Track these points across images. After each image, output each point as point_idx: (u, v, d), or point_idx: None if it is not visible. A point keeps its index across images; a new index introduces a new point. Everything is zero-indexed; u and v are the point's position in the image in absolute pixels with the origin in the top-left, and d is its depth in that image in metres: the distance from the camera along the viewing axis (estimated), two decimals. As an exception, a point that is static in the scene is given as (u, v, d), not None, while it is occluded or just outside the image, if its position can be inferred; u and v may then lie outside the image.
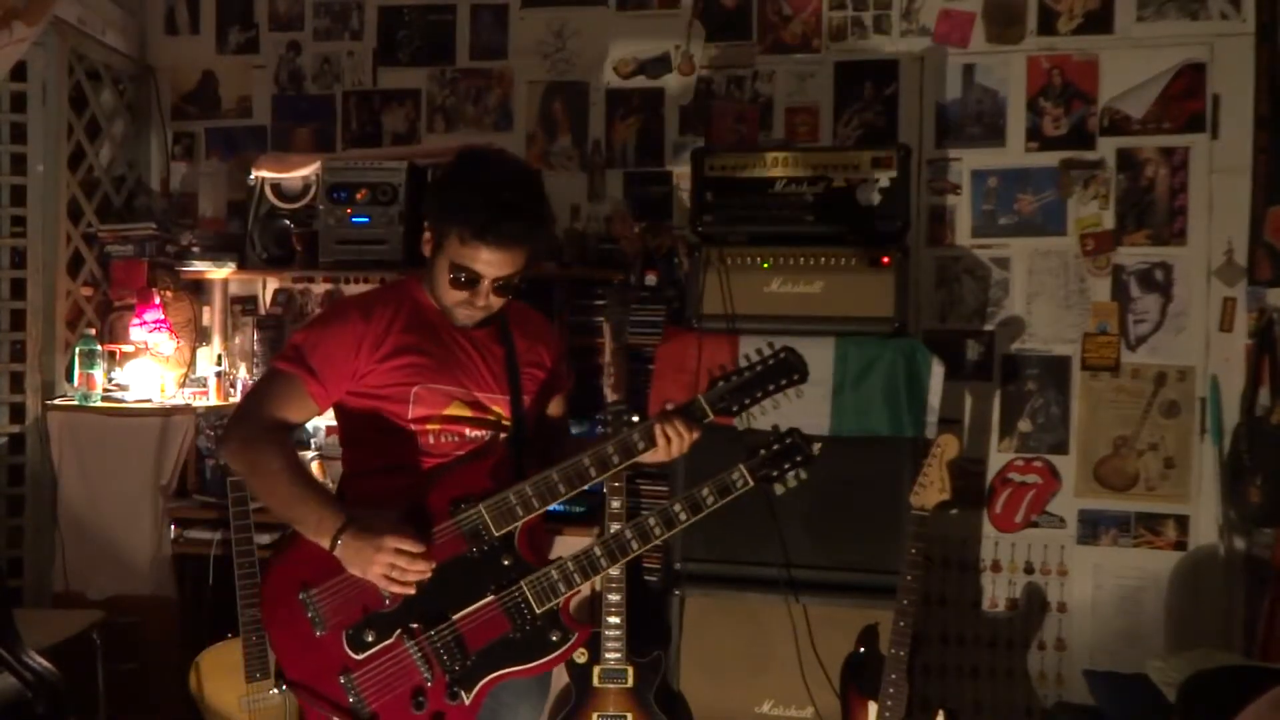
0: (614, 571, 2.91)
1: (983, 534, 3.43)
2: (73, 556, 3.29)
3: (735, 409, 1.99)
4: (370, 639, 1.86)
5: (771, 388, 2.00)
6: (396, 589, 1.84)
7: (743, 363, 2.02)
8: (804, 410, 2.92)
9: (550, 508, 1.95)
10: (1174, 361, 3.33)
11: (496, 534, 1.89)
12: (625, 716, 2.90)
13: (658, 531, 1.97)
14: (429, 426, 1.98)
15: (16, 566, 3.35)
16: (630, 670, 2.90)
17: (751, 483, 2.01)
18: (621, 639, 2.89)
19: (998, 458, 3.42)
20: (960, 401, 3.41)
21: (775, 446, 2.03)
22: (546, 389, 2.17)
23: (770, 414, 2.92)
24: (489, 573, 1.90)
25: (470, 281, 1.93)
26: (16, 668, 2.53)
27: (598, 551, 1.96)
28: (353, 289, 3.66)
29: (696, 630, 2.97)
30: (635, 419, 1.98)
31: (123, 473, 3.28)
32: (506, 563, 1.91)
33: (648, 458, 1.97)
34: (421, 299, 2.04)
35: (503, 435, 2.06)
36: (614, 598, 2.89)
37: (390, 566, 1.81)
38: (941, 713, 2.68)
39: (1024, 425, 3.42)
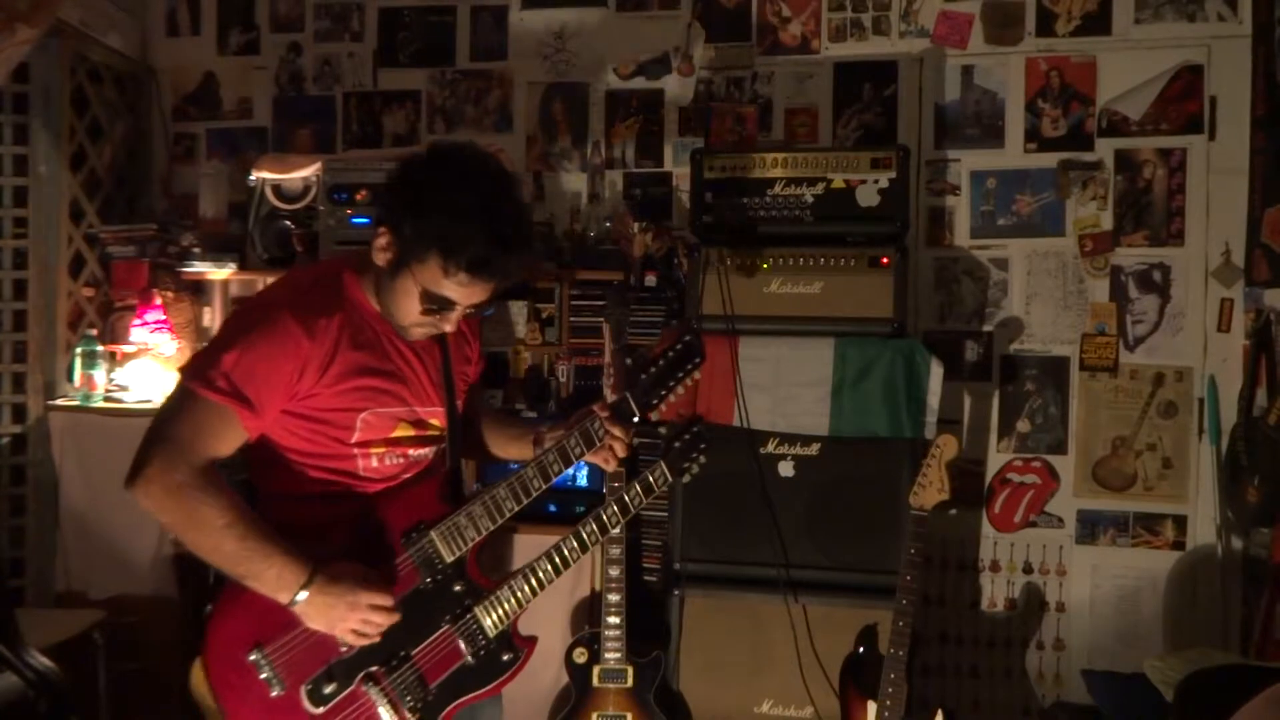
0: (613, 572, 2.92)
1: (981, 534, 3.43)
2: (74, 556, 3.30)
3: (656, 402, 1.97)
4: (330, 691, 1.73)
5: (681, 374, 1.96)
6: (363, 642, 1.73)
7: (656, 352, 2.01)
8: (804, 410, 2.95)
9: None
10: (1172, 362, 3.34)
11: (448, 561, 1.82)
12: (625, 716, 2.91)
13: (591, 539, 1.95)
14: (373, 450, 1.82)
15: (18, 566, 3.36)
16: (630, 670, 2.91)
17: (670, 478, 2.02)
18: (621, 639, 2.90)
19: (996, 458, 3.43)
20: (959, 402, 3.42)
21: (686, 437, 2.04)
22: (471, 384, 2.08)
23: (770, 414, 2.96)
24: (442, 602, 1.83)
25: (443, 309, 1.75)
26: (19, 667, 2.53)
27: (541, 564, 1.92)
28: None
29: (696, 630, 2.98)
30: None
31: (124, 473, 3.27)
32: (458, 589, 1.84)
33: (594, 460, 1.95)
34: (362, 303, 1.81)
35: (440, 447, 1.95)
36: (614, 598, 2.90)
37: (361, 622, 1.71)
38: (940, 712, 2.68)
39: (1023, 425, 3.42)
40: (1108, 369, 3.37)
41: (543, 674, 3.01)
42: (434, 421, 1.91)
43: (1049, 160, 3.40)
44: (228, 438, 1.70)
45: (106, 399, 3.37)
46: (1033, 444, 3.42)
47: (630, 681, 2.91)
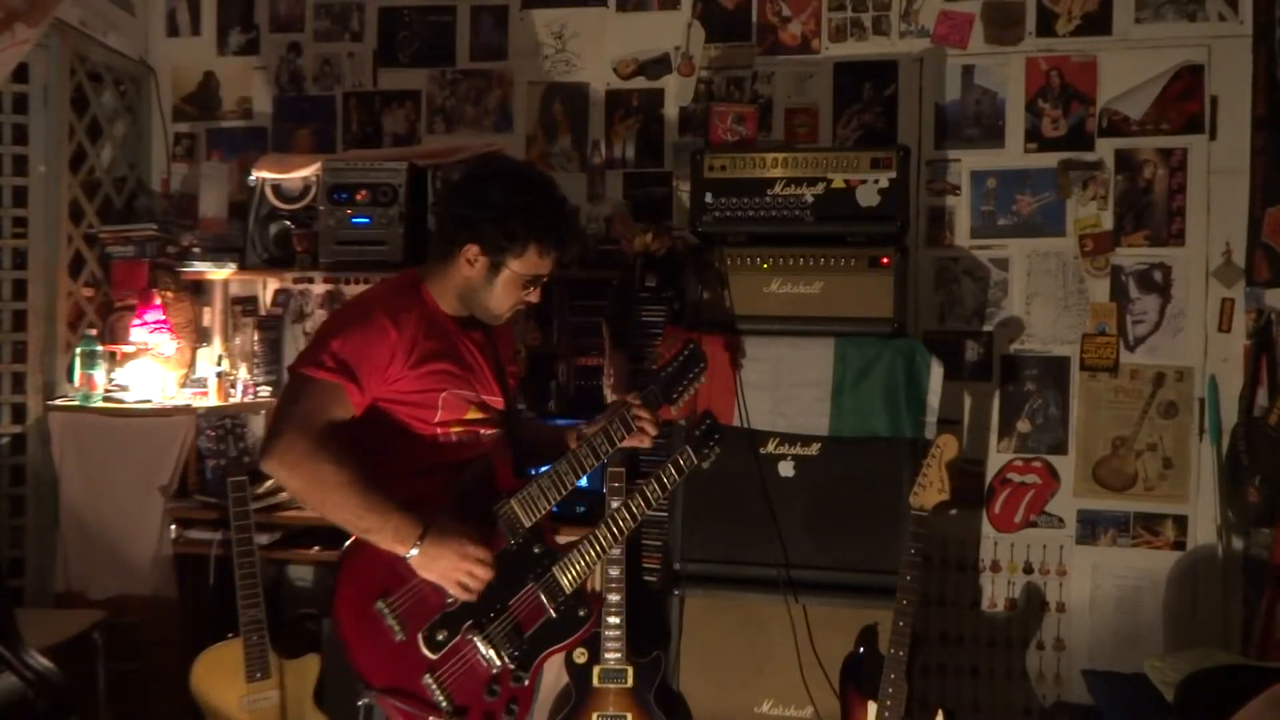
0: (613, 572, 2.92)
1: (982, 534, 3.43)
2: (74, 556, 3.30)
3: (676, 396, 2.29)
4: (442, 638, 1.93)
5: (693, 375, 2.31)
6: (467, 594, 1.94)
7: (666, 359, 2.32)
8: (804, 411, 2.95)
9: (552, 508, 2.10)
10: (1172, 362, 3.33)
11: (527, 526, 2.04)
12: (625, 716, 2.91)
13: (639, 510, 2.22)
14: (453, 430, 2.07)
15: (18, 566, 3.36)
16: (630, 670, 2.91)
17: (696, 460, 2.32)
18: (621, 639, 2.90)
19: (997, 458, 3.43)
20: (959, 402, 3.41)
21: (703, 427, 2.37)
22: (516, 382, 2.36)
23: (770, 414, 2.95)
24: (526, 562, 2.05)
25: (536, 283, 2.11)
26: (18, 667, 2.54)
27: (602, 531, 2.17)
28: (353, 290, 3.67)
29: (696, 630, 2.98)
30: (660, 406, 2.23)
31: (124, 473, 3.28)
32: (537, 550, 2.07)
33: (631, 443, 2.23)
34: (431, 304, 2.10)
35: (503, 430, 2.19)
36: (614, 598, 2.90)
37: (468, 574, 1.93)
38: (940, 712, 2.68)
39: (1023, 426, 3.42)
40: (1108, 369, 3.37)
41: (543, 674, 3.00)
42: (495, 407, 2.17)
43: (1049, 160, 3.40)
44: (338, 411, 1.94)
45: (106, 399, 3.37)
46: (1033, 444, 3.42)
47: (630, 681, 2.91)
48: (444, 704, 1.91)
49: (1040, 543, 3.40)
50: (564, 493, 2.10)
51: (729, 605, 2.96)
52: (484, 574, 1.95)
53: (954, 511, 3.38)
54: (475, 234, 2.05)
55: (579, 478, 2.13)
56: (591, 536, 2.15)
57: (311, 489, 1.90)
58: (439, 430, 2.06)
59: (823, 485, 2.95)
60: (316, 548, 3.21)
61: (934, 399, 2.91)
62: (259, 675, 2.91)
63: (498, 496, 2.04)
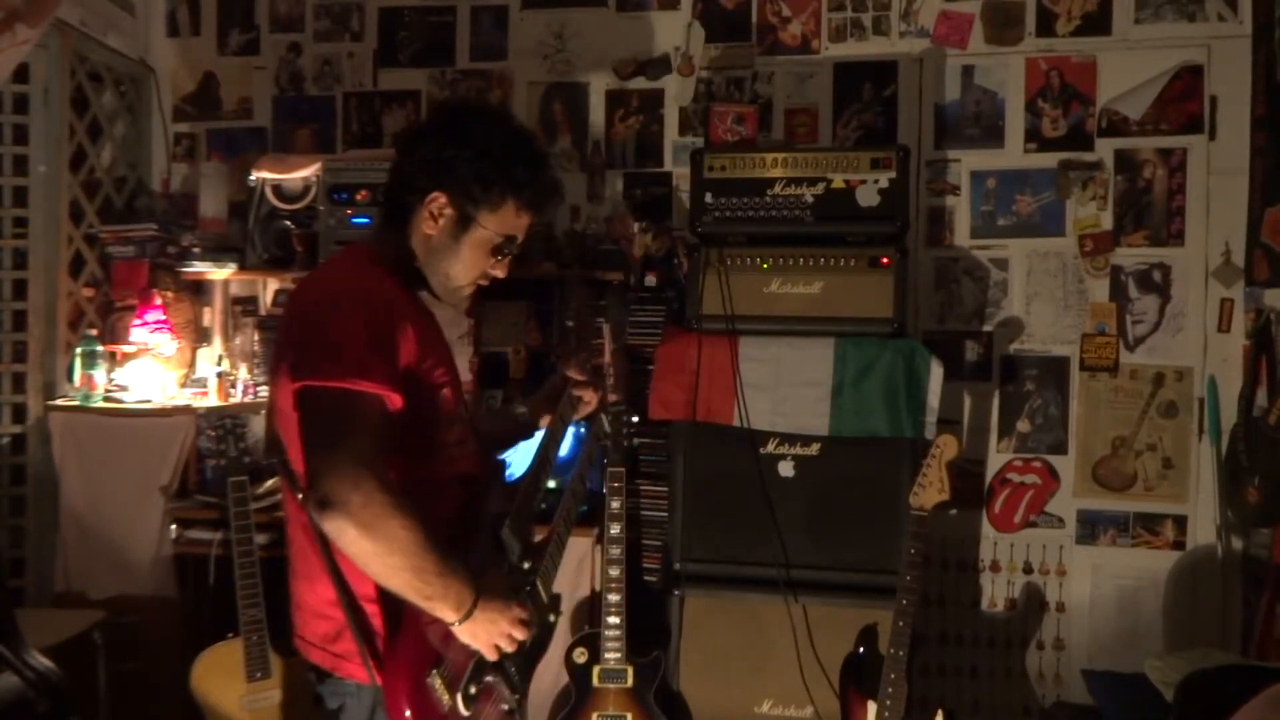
0: (613, 572, 2.92)
1: (982, 534, 3.43)
2: (74, 556, 3.30)
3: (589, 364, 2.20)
4: (474, 692, 1.73)
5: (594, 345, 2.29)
6: (494, 655, 1.73)
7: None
8: (804, 411, 2.95)
9: (540, 506, 2.02)
10: (1172, 362, 3.34)
11: (519, 545, 1.88)
12: (625, 716, 2.91)
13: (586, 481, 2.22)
14: (451, 433, 1.82)
15: (18, 566, 3.36)
16: (630, 670, 2.91)
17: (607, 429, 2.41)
18: (621, 639, 2.90)
19: (996, 458, 3.43)
20: (959, 402, 3.42)
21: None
22: None
23: (770, 414, 2.96)
24: (516, 580, 1.86)
25: (508, 250, 1.80)
26: (19, 667, 2.53)
27: (560, 524, 2.03)
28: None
29: (696, 630, 2.98)
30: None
31: (124, 473, 3.29)
32: (526, 566, 1.88)
33: (575, 417, 2.15)
34: (394, 282, 1.77)
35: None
36: (614, 598, 2.90)
37: (509, 638, 1.71)
38: (940, 712, 2.69)
39: (1023, 426, 3.42)
40: (1108, 369, 3.37)
41: (543, 674, 2.98)
42: (467, 395, 2.01)
43: (1049, 160, 3.40)
44: (385, 428, 1.59)
45: (106, 399, 3.37)
46: (1033, 444, 3.42)
47: (630, 681, 2.91)
48: None
49: (1040, 543, 3.40)
50: (540, 497, 1.98)
51: (729, 605, 2.96)
52: (522, 636, 1.73)
53: (954, 511, 3.38)
54: (444, 179, 1.72)
55: (550, 472, 2.06)
56: (556, 535, 2.01)
57: (385, 552, 1.54)
58: (441, 437, 1.79)
59: (823, 485, 2.96)
60: (316, 548, 3.21)
61: (934, 399, 2.92)
62: (259, 675, 2.91)
63: (491, 514, 1.86)
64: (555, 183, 1.84)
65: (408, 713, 1.62)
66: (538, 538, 1.96)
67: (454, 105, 1.91)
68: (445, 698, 1.68)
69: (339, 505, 1.50)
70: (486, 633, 1.67)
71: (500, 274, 1.83)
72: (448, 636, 1.68)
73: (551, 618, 1.96)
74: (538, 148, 1.82)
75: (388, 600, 1.66)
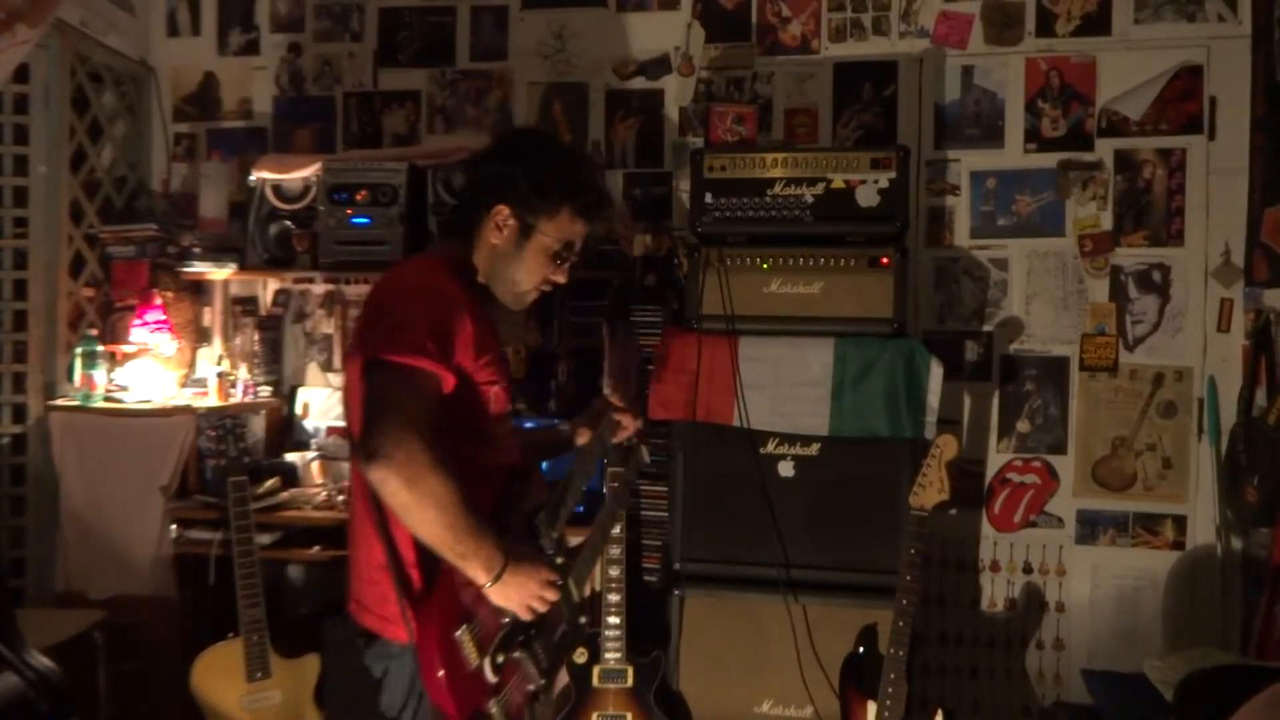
0: (613, 571, 2.92)
1: (981, 534, 3.44)
2: (74, 556, 3.30)
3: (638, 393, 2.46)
4: (501, 660, 1.86)
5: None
6: (530, 616, 1.86)
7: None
8: (804, 411, 2.95)
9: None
10: (1172, 362, 3.34)
11: (554, 538, 1.99)
12: (625, 716, 2.91)
13: (625, 499, 2.36)
14: (499, 428, 1.99)
15: (19, 566, 3.36)
16: (630, 670, 2.91)
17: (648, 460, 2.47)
18: (621, 639, 2.90)
19: (996, 458, 3.43)
20: (959, 402, 3.42)
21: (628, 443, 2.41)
22: None
23: (770, 414, 2.96)
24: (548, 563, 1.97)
25: (567, 256, 2.00)
26: (19, 667, 2.54)
27: (596, 533, 2.19)
28: (354, 290, 3.68)
29: (696, 630, 2.98)
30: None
31: (124, 473, 3.28)
32: (560, 561, 1.98)
33: (613, 441, 2.27)
34: (461, 287, 1.95)
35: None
36: (614, 598, 2.91)
37: (540, 600, 1.84)
38: (940, 712, 2.69)
39: (1022, 426, 3.43)
40: (1108, 369, 3.37)
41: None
42: (510, 403, 2.11)
43: (1049, 160, 3.40)
44: (436, 407, 1.78)
45: (106, 399, 3.37)
46: (1032, 444, 3.42)
47: (630, 681, 2.91)
48: None
49: (1040, 543, 3.41)
50: (578, 498, 2.08)
51: (729, 605, 2.97)
52: (555, 597, 1.87)
53: (954, 511, 3.38)
54: (507, 192, 1.94)
55: (587, 480, 2.13)
56: (591, 543, 2.14)
57: (424, 507, 1.71)
58: (492, 429, 1.96)
59: (822, 485, 2.96)
60: (316, 548, 3.21)
61: (934, 399, 2.92)
62: (259, 675, 2.92)
63: (529, 504, 1.99)
64: (605, 192, 2.10)
65: (439, 667, 1.75)
66: (573, 542, 2.08)
67: (513, 130, 2.22)
68: (473, 656, 1.80)
69: (384, 457, 1.68)
70: (518, 594, 1.81)
71: (561, 279, 2.03)
72: (480, 599, 1.81)
73: (583, 619, 2.07)
74: (588, 162, 2.09)
75: (427, 564, 1.81)
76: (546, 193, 1.94)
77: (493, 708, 1.83)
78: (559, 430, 2.31)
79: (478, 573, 1.77)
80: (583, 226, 2.01)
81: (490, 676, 1.82)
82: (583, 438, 2.25)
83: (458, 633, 1.80)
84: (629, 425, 2.25)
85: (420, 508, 1.71)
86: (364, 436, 1.71)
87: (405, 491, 1.69)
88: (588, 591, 3.05)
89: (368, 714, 1.96)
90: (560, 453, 2.30)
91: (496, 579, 1.78)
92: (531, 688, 1.92)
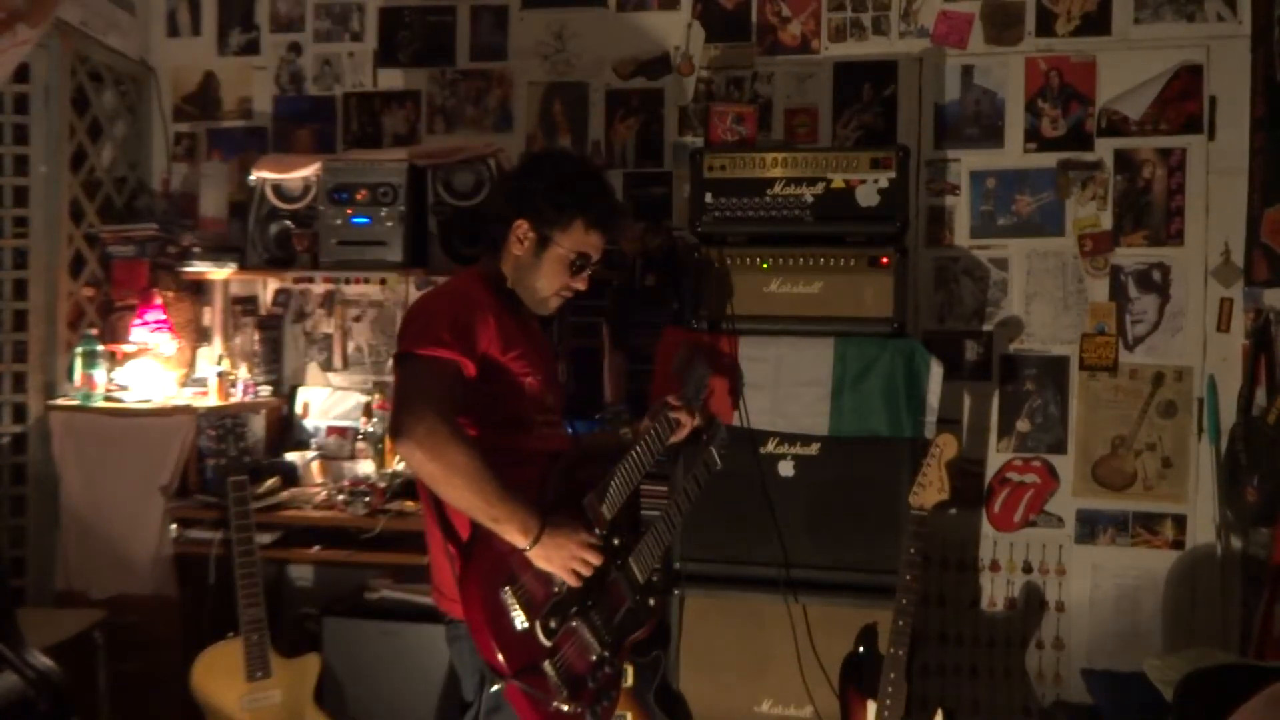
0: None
1: (981, 534, 3.44)
2: (74, 556, 3.30)
3: (699, 397, 2.47)
4: (555, 625, 1.94)
5: (701, 374, 2.50)
6: (577, 581, 1.96)
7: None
8: (804, 410, 2.95)
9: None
10: (1171, 361, 3.34)
11: (608, 519, 2.08)
12: (625, 716, 2.91)
13: (684, 507, 2.37)
14: (536, 419, 2.12)
15: (19, 566, 3.36)
16: (630, 670, 2.91)
17: (719, 462, 2.49)
18: (621, 638, 2.90)
19: (996, 458, 3.44)
20: (959, 402, 3.42)
21: (720, 432, 2.53)
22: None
23: (770, 414, 2.96)
24: (608, 554, 2.06)
25: (583, 265, 2.15)
26: (19, 666, 2.54)
27: (660, 522, 2.25)
28: (354, 290, 3.68)
29: (696, 630, 2.98)
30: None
31: (124, 472, 3.29)
32: (617, 542, 2.10)
33: (671, 440, 2.35)
34: (494, 293, 2.13)
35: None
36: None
37: (583, 562, 1.95)
38: (940, 712, 2.69)
39: (1022, 425, 3.43)
40: (1107, 369, 3.37)
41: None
42: (558, 398, 2.24)
43: (1049, 160, 3.40)
44: (459, 390, 1.95)
45: (107, 399, 3.37)
46: (1032, 444, 3.42)
47: (630, 681, 2.91)
48: (564, 691, 1.94)
49: (1039, 542, 3.41)
50: (634, 484, 2.16)
51: (729, 605, 2.97)
52: (597, 560, 1.97)
53: (953, 511, 3.38)
54: (526, 208, 2.11)
55: (646, 470, 2.21)
56: (655, 529, 2.22)
57: (450, 474, 1.87)
58: (528, 414, 2.09)
59: (822, 485, 2.96)
60: (316, 548, 3.21)
61: (934, 399, 2.92)
62: (259, 675, 2.91)
63: (580, 489, 2.07)
64: (618, 205, 2.25)
65: (474, 615, 1.87)
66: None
67: (538, 150, 2.41)
68: (520, 617, 1.90)
69: (408, 433, 1.86)
70: (558, 555, 1.93)
71: (581, 286, 2.18)
72: (524, 564, 1.92)
73: (651, 601, 2.16)
74: (601, 178, 2.20)
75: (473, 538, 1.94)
76: (561, 207, 2.10)
77: (548, 668, 1.91)
78: (620, 435, 2.37)
79: (515, 536, 1.90)
80: (597, 238, 2.15)
81: (544, 640, 1.92)
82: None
83: (501, 592, 1.90)
84: (686, 423, 2.34)
85: (448, 476, 1.86)
86: (392, 418, 1.90)
87: (430, 462, 1.86)
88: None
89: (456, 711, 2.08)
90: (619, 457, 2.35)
91: (536, 541, 1.90)
92: (594, 658, 2.01)
